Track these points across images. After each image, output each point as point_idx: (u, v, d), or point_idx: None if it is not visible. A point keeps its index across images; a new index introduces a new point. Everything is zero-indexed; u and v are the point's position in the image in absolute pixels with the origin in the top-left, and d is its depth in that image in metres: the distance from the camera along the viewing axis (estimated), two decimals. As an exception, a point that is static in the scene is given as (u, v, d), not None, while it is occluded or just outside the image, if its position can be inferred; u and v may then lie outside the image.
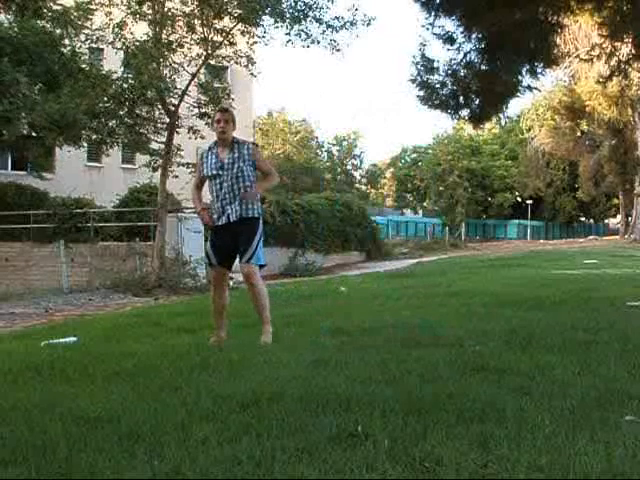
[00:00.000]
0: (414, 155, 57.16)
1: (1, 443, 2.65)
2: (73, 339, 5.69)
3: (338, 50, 14.25)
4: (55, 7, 16.36)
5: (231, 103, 15.08)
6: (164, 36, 14.07)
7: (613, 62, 9.39)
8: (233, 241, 5.18)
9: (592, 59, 11.00)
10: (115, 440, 2.63)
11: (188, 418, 2.89)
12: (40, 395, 3.44)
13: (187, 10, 13.96)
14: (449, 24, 8.72)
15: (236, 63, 15.02)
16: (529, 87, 9.09)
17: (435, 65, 9.11)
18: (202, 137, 15.27)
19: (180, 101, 14.50)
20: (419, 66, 9.09)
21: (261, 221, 5.27)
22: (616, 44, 8.84)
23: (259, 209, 5.24)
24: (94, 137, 15.99)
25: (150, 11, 13.99)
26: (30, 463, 2.41)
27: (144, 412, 2.99)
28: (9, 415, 3.07)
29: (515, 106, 66.03)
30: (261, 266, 5.27)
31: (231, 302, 5.62)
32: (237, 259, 5.36)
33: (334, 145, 59.85)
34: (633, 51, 8.88)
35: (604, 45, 9.00)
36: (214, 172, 5.20)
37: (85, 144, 17.66)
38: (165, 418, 2.89)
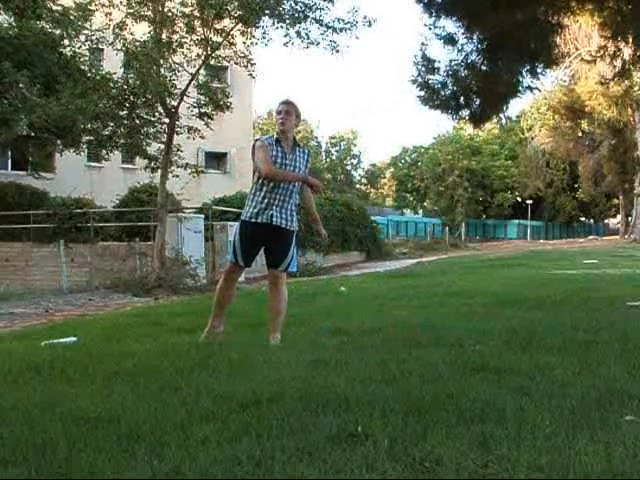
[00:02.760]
0: (414, 155, 57.19)
1: (1, 443, 2.65)
2: (73, 339, 5.69)
3: (338, 51, 14.26)
4: (55, 8, 16.37)
5: (230, 103, 15.11)
6: (164, 36, 14.07)
7: (617, 63, 9.40)
8: (263, 243, 5.03)
9: (594, 60, 11.01)
10: (115, 440, 2.62)
11: (188, 418, 2.89)
12: (40, 395, 3.44)
13: (187, 10, 13.96)
14: (450, 25, 8.75)
15: (236, 63, 15.01)
16: (529, 87, 9.11)
17: (436, 65, 9.14)
18: (202, 137, 15.30)
19: (180, 101, 14.50)
20: (420, 66, 9.11)
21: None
22: (619, 45, 8.84)
23: (297, 223, 5.11)
24: (92, 139, 15.99)
25: (150, 12, 13.98)
26: (30, 463, 2.40)
27: (144, 412, 2.99)
28: (9, 415, 3.07)
29: (515, 106, 66.11)
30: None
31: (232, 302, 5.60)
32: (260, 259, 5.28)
33: (333, 146, 59.87)
34: (634, 52, 8.89)
35: (608, 46, 9.00)
36: (278, 165, 4.87)
37: (85, 148, 17.66)
38: (165, 418, 2.89)
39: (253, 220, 4.92)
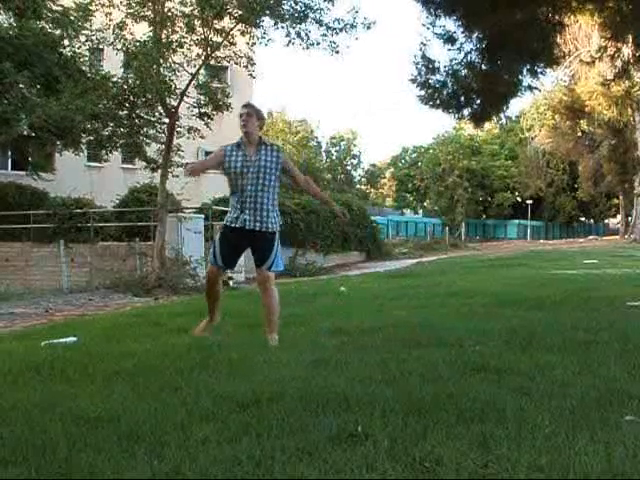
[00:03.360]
0: (414, 155, 57.19)
1: (1, 443, 2.65)
2: (73, 339, 5.68)
3: (337, 52, 14.26)
4: (55, 8, 16.36)
5: (231, 103, 15.10)
6: (164, 36, 14.07)
7: (617, 64, 9.40)
8: (243, 246, 5.18)
9: (594, 61, 11.01)
10: (115, 440, 2.62)
11: (188, 418, 2.89)
12: (40, 395, 3.44)
13: (187, 10, 13.95)
14: (450, 24, 8.75)
15: (236, 63, 15.00)
16: (530, 87, 9.11)
17: (436, 65, 9.13)
18: (202, 137, 15.29)
19: (180, 101, 14.50)
20: (420, 66, 9.11)
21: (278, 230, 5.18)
22: (619, 45, 8.84)
23: (278, 222, 5.14)
24: (92, 139, 15.98)
25: (150, 12, 13.98)
26: (30, 463, 2.41)
27: (144, 412, 2.99)
28: (9, 415, 3.07)
29: (515, 106, 66.07)
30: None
31: (232, 302, 5.62)
32: (240, 260, 5.42)
33: (333, 146, 59.87)
34: (634, 52, 8.89)
35: (608, 46, 9.00)
36: (238, 170, 4.99)
37: (84, 149, 17.65)
38: (165, 418, 2.89)
39: (233, 225, 5.08)
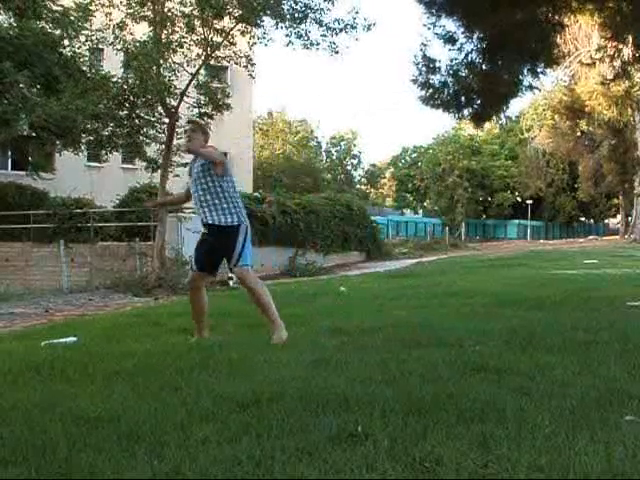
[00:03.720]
0: (414, 155, 57.18)
1: (1, 443, 2.65)
2: (73, 339, 5.69)
3: (337, 52, 14.26)
4: (55, 8, 16.37)
5: (230, 103, 15.10)
6: (164, 36, 14.07)
7: (617, 64, 9.39)
8: (215, 248, 5.28)
9: (594, 62, 11.01)
10: (115, 440, 2.62)
11: (188, 418, 2.89)
12: (40, 395, 3.44)
13: (187, 10, 13.95)
14: (450, 24, 8.74)
15: (235, 63, 15.01)
16: (530, 87, 9.11)
17: (436, 65, 9.13)
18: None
19: (180, 101, 14.50)
20: (420, 66, 9.11)
21: (242, 226, 5.22)
22: (619, 45, 8.84)
23: (236, 216, 5.20)
24: (92, 139, 15.98)
25: (149, 12, 13.98)
26: (30, 463, 2.41)
27: (144, 412, 2.99)
28: (9, 415, 3.07)
29: (515, 106, 66.07)
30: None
31: (232, 302, 5.62)
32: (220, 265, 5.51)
33: (333, 146, 59.87)
34: (634, 52, 8.89)
35: (608, 46, 9.00)
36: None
37: (84, 149, 17.66)
38: (165, 418, 2.89)
39: (200, 229, 5.39)
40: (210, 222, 5.18)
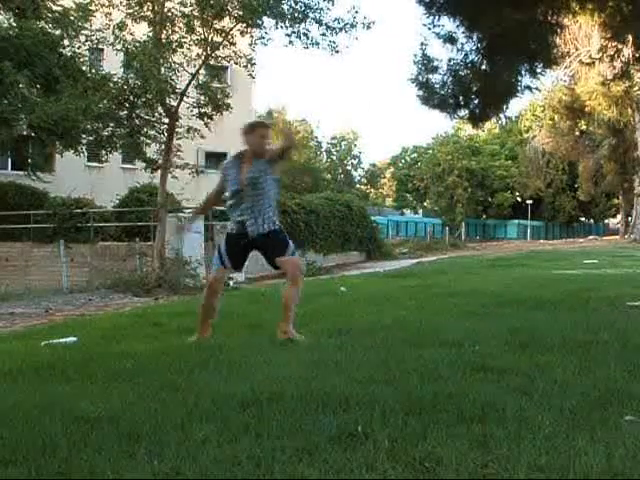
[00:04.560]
0: (414, 155, 57.17)
1: (1, 443, 2.65)
2: (73, 339, 5.69)
3: (337, 52, 14.27)
4: (55, 8, 16.37)
5: (230, 103, 15.11)
6: (164, 37, 14.07)
7: (617, 64, 9.39)
8: (249, 249, 5.25)
9: (594, 62, 11.02)
10: (115, 440, 2.62)
11: (188, 418, 2.88)
12: (40, 395, 3.44)
13: (187, 10, 13.96)
14: (450, 24, 8.73)
15: (235, 63, 15.02)
16: (529, 87, 9.10)
17: (436, 65, 9.13)
18: (202, 137, 15.29)
19: (180, 101, 14.51)
20: (420, 66, 9.11)
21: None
22: (619, 45, 8.84)
23: (277, 217, 5.24)
24: (92, 139, 15.99)
25: (149, 12, 13.98)
26: (30, 463, 2.40)
27: (144, 412, 2.99)
28: (9, 415, 3.07)
29: (515, 106, 66.06)
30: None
31: (232, 302, 5.61)
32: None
33: (334, 146, 59.85)
34: (634, 52, 8.88)
35: (608, 46, 9.00)
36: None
37: (84, 150, 17.66)
38: (165, 418, 2.89)
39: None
40: (262, 232, 5.08)
